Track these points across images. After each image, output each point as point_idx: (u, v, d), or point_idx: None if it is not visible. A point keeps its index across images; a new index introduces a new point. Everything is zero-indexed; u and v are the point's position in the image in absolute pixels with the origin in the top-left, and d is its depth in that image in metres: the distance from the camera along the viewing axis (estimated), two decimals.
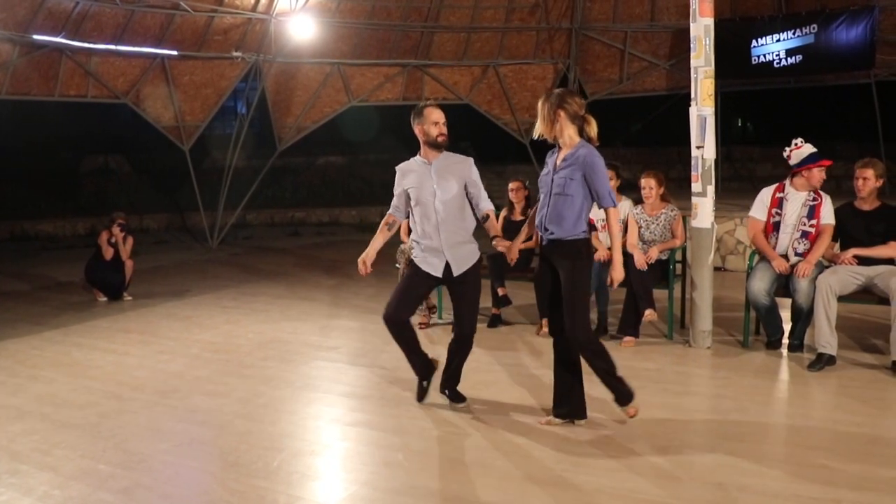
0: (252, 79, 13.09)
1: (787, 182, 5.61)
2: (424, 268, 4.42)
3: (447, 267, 4.38)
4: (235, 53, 12.30)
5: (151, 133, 13.50)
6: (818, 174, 5.47)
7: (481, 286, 4.59)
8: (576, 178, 4.00)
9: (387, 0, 12.98)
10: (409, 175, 4.45)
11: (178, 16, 11.56)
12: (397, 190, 4.51)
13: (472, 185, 4.44)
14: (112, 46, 11.42)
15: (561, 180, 4.04)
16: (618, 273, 4.14)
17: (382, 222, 4.58)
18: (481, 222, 4.51)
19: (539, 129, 4.12)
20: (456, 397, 4.64)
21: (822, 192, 5.53)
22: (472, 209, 4.48)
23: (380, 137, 17.98)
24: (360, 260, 4.46)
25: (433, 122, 4.37)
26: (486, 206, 4.48)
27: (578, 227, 4.04)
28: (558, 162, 4.10)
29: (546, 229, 4.11)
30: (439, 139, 4.37)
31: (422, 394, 4.69)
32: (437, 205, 4.35)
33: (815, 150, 5.51)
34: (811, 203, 5.47)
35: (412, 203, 4.45)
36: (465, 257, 4.41)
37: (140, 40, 11.66)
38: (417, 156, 4.49)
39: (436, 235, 4.36)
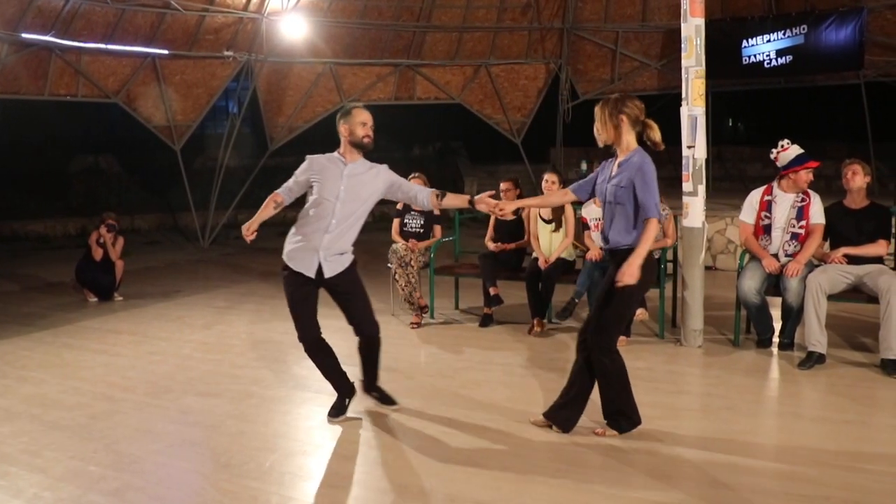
0: (243, 78, 13.07)
1: (775, 184, 5.64)
2: (296, 267, 4.25)
3: (319, 268, 4.23)
4: (227, 53, 12.27)
5: (142, 133, 13.45)
6: (805, 176, 5.49)
7: (362, 283, 4.43)
8: (627, 185, 3.89)
9: (379, 0, 12.98)
10: (322, 169, 4.28)
11: (168, 15, 11.52)
12: (302, 177, 4.31)
13: (399, 186, 4.38)
14: (102, 45, 11.37)
15: (613, 188, 3.95)
16: (628, 277, 3.86)
17: (270, 199, 4.31)
18: (437, 205, 4.37)
19: (602, 137, 4.00)
20: (384, 399, 4.58)
21: (810, 192, 5.55)
22: (418, 202, 4.38)
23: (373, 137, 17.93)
24: (243, 227, 4.24)
25: (361, 123, 4.27)
26: (426, 191, 4.38)
27: (633, 235, 3.92)
28: (614, 169, 4.02)
29: (605, 240, 4.07)
30: (365, 140, 4.27)
31: (339, 410, 4.46)
32: (336, 207, 4.21)
33: (801, 151, 5.53)
34: (799, 204, 5.49)
35: (312, 197, 4.27)
36: (338, 261, 4.28)
37: (131, 39, 11.61)
38: (336, 153, 4.35)
39: (319, 236, 4.21)
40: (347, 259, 4.35)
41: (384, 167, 4.42)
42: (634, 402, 4.06)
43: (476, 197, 4.27)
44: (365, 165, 4.35)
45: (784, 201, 5.55)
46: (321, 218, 4.22)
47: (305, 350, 4.42)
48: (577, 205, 6.69)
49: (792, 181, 5.52)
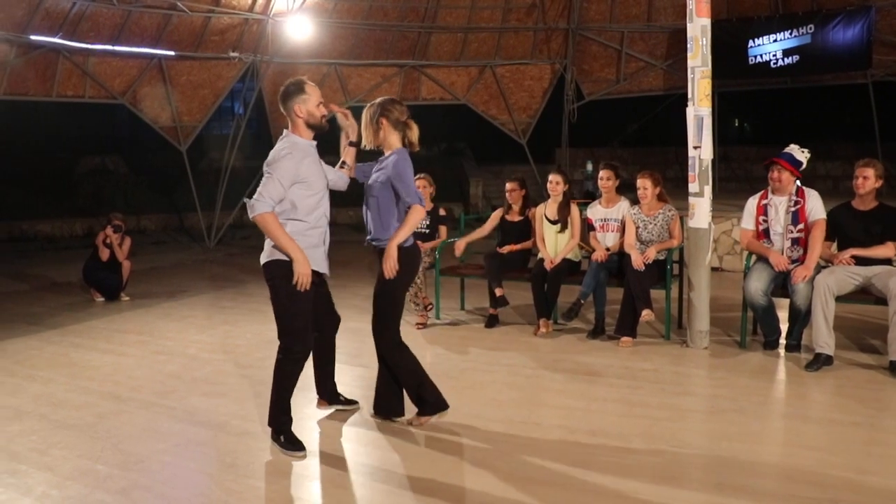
0: (249, 79, 13.11)
1: (769, 189, 5.64)
2: (318, 267, 3.99)
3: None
4: (232, 54, 12.31)
5: (149, 133, 13.51)
6: (774, 175, 5.51)
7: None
8: (385, 181, 4.08)
9: (384, 0, 12.98)
10: (306, 160, 3.86)
11: (175, 16, 11.56)
12: (290, 180, 3.79)
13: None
14: (109, 47, 11.42)
15: (372, 184, 4.16)
16: (388, 270, 4.03)
17: (274, 221, 3.80)
18: (348, 171, 4.32)
19: (366, 139, 4.19)
20: (346, 400, 4.59)
21: (805, 190, 5.52)
22: (339, 183, 4.30)
23: None
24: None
25: (319, 102, 3.92)
26: (333, 171, 4.25)
27: (392, 230, 4.10)
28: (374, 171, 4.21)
29: (369, 233, 4.26)
30: (324, 121, 3.99)
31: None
32: (326, 196, 4.03)
33: (785, 150, 5.55)
34: (793, 209, 5.47)
35: (305, 194, 3.86)
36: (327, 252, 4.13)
37: (137, 41, 11.66)
38: (295, 136, 3.92)
39: (325, 230, 4.05)
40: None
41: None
42: (435, 388, 4.22)
43: (344, 133, 4.31)
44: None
45: (779, 205, 5.54)
46: (320, 207, 4.00)
47: (304, 358, 4.04)
48: (583, 206, 6.69)
49: (772, 183, 5.55)
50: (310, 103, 3.92)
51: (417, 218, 4.10)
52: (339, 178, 4.26)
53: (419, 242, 6.75)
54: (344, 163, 4.35)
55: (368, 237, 4.25)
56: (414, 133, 4.17)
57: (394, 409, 4.34)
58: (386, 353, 4.20)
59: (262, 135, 15.22)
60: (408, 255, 4.14)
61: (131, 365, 5.72)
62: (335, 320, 4.47)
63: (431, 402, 4.22)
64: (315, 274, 3.94)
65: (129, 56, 11.88)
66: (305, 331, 3.96)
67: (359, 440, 4.18)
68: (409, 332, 6.56)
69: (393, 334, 4.17)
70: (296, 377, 4.01)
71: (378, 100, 4.22)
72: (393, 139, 4.16)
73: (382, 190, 4.10)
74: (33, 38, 10.55)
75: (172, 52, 12.13)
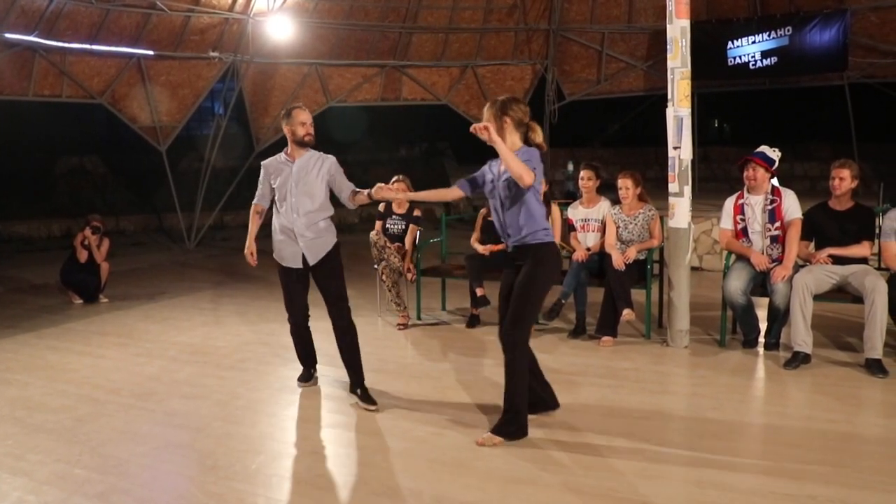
0: (229, 79, 13.02)
1: (745, 188, 5.70)
2: (286, 262, 4.76)
3: (304, 258, 4.69)
4: (213, 54, 12.22)
5: (128, 134, 13.37)
6: (747, 174, 5.58)
7: (342, 271, 4.79)
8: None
9: (365, 0, 12.96)
10: (275, 171, 4.76)
11: (154, 15, 11.46)
12: (264, 183, 4.83)
13: (335, 180, 4.71)
14: (87, 46, 11.29)
15: (505, 184, 4.03)
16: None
17: (252, 212, 4.97)
18: (352, 203, 4.70)
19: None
20: (366, 398, 4.66)
21: (781, 189, 5.58)
22: (342, 199, 4.73)
23: (360, 138, 17.93)
24: (246, 253, 4.92)
25: (300, 123, 4.66)
26: (348, 189, 4.70)
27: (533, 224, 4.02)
28: (501, 169, 4.07)
29: (508, 235, 4.14)
30: (306, 139, 4.67)
31: (306, 379, 5.11)
32: (293, 201, 4.65)
33: (758, 150, 5.62)
34: (770, 207, 5.53)
35: (276, 198, 4.77)
36: (319, 246, 4.70)
37: (115, 40, 11.54)
38: (283, 154, 4.79)
39: (292, 228, 4.66)
40: (329, 242, 4.75)
41: (332, 157, 4.78)
42: (526, 412, 4.11)
43: (373, 189, 4.52)
44: (313, 158, 4.72)
45: (755, 204, 5.60)
46: (287, 213, 4.68)
47: (291, 329, 4.98)
48: (564, 206, 6.71)
49: (747, 182, 5.61)
50: (293, 124, 4.70)
51: (521, 169, 3.81)
52: (346, 197, 4.72)
53: (398, 245, 6.78)
54: (358, 192, 4.66)
55: (509, 240, 4.13)
56: (538, 135, 4.14)
57: (547, 402, 4.37)
58: (510, 348, 4.06)
59: (242, 135, 15.10)
60: (556, 255, 4.18)
61: (110, 367, 5.66)
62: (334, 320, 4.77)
63: (517, 426, 4.02)
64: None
65: (108, 55, 11.74)
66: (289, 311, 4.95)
67: (339, 442, 4.17)
68: (391, 333, 6.55)
69: (525, 333, 4.11)
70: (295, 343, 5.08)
71: (500, 98, 4.13)
72: (514, 139, 4.04)
73: (516, 188, 3.95)
74: (8, 36, 10.40)
75: (151, 52, 12.01)
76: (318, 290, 4.78)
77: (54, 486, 3.58)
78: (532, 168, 3.83)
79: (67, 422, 4.46)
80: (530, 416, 4.14)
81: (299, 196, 4.65)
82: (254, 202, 4.96)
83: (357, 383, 4.72)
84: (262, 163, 4.88)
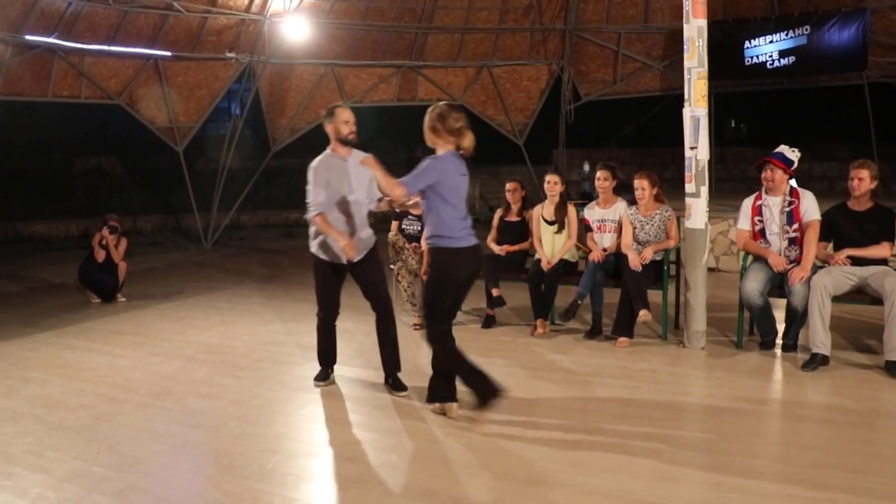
0: (246, 80, 13.09)
1: (763, 189, 5.65)
2: (331, 258, 4.78)
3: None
4: (229, 54, 12.30)
5: (145, 134, 13.47)
6: (767, 175, 5.52)
7: (381, 262, 4.96)
8: None
9: (381, 1, 12.98)
10: (329, 170, 4.72)
11: (171, 16, 11.54)
12: (321, 182, 4.68)
13: (373, 179, 4.67)
14: (105, 47, 11.39)
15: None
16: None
17: (320, 221, 4.66)
18: (377, 207, 4.85)
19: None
20: (398, 386, 4.87)
21: (800, 191, 5.53)
22: (374, 199, 4.85)
23: (374, 139, 17.95)
24: (347, 246, 4.60)
25: (344, 121, 4.71)
26: (377, 192, 4.81)
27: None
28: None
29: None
30: (350, 136, 4.72)
31: (323, 377, 5.11)
32: (351, 198, 4.71)
33: (777, 150, 5.57)
34: (787, 209, 5.48)
35: (325, 195, 4.70)
36: (363, 244, 4.79)
37: (133, 41, 11.64)
38: (328, 152, 4.79)
39: (347, 225, 4.72)
40: (372, 238, 4.89)
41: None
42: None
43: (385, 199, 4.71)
44: (358, 155, 4.70)
45: (773, 205, 5.55)
46: (343, 212, 4.71)
47: (318, 324, 5.00)
48: (580, 206, 6.69)
49: (765, 183, 5.55)
50: (336, 122, 4.73)
51: (390, 187, 4.11)
52: (377, 193, 4.82)
53: (415, 245, 6.79)
54: (382, 199, 4.80)
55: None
56: (465, 140, 4.33)
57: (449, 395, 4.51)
58: (429, 344, 4.35)
59: (258, 135, 15.19)
60: (446, 262, 4.27)
61: (127, 366, 5.70)
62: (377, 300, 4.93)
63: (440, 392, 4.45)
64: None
65: (125, 56, 11.85)
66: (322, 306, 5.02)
67: (355, 441, 4.17)
68: (407, 333, 6.55)
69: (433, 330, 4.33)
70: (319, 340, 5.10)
71: (441, 103, 4.43)
72: (448, 145, 4.31)
73: (428, 195, 4.22)
74: (28, 38, 10.52)
75: (169, 53, 12.11)
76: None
77: (73, 484, 3.62)
78: (415, 176, 4.10)
79: (86, 420, 4.50)
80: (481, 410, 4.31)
81: (359, 191, 4.73)
82: (315, 211, 4.66)
83: (391, 374, 4.92)
84: (312, 166, 4.71)
